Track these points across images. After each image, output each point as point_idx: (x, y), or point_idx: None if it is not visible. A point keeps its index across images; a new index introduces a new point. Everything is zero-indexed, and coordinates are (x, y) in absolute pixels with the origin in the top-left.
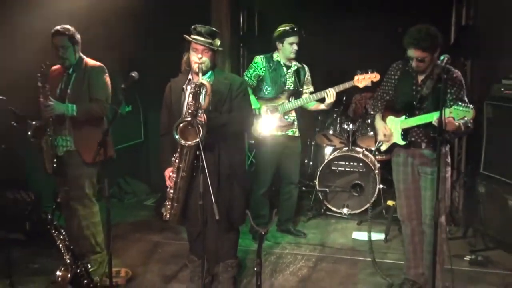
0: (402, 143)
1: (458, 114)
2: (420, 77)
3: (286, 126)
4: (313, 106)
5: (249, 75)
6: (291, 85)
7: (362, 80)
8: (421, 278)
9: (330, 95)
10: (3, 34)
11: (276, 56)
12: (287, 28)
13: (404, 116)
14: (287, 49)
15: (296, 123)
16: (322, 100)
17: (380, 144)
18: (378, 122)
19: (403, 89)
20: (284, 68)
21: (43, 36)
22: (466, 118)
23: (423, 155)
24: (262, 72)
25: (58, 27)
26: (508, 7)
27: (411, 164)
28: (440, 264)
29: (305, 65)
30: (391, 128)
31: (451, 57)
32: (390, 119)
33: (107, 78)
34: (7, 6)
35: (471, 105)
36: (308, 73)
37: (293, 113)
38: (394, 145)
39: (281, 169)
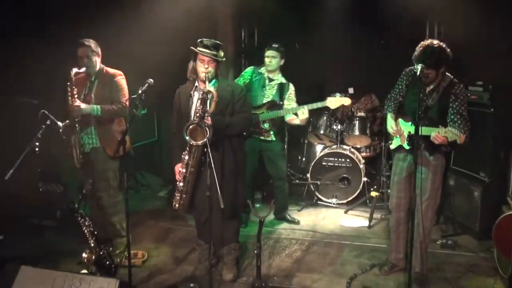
0: (407, 147)
1: (451, 136)
2: (428, 88)
3: (262, 131)
4: (289, 118)
5: (238, 82)
6: (269, 97)
7: (334, 102)
8: (401, 262)
9: (303, 112)
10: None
11: (263, 68)
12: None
13: (410, 123)
14: (264, 61)
15: (271, 130)
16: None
17: (390, 143)
18: (389, 120)
19: (411, 97)
20: (267, 81)
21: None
22: (458, 142)
23: (421, 156)
24: (248, 80)
25: (82, 40)
26: (472, 23)
27: (409, 161)
28: (422, 251)
29: (290, 83)
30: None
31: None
32: (400, 121)
33: (125, 83)
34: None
35: (463, 130)
36: (291, 91)
37: (268, 122)
38: (401, 145)
39: (269, 169)
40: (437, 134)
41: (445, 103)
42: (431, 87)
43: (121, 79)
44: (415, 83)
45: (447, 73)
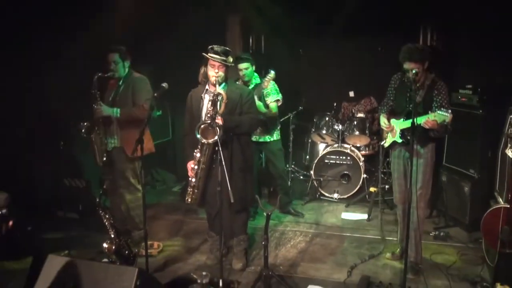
0: (400, 141)
1: (440, 118)
2: (414, 87)
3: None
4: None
5: None
6: None
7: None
8: None
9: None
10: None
11: (239, 81)
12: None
13: (402, 119)
14: (239, 75)
15: (260, 132)
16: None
17: (384, 142)
18: (382, 118)
19: (400, 97)
20: None
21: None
22: (446, 121)
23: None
24: None
25: (112, 46)
26: (463, 32)
27: (403, 157)
28: (416, 240)
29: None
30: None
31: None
32: (393, 121)
33: (148, 87)
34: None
35: (449, 111)
36: (266, 87)
37: None
38: (395, 142)
39: (270, 168)
40: (427, 119)
41: (429, 98)
42: (417, 85)
43: (144, 84)
44: (403, 85)
45: (429, 73)
